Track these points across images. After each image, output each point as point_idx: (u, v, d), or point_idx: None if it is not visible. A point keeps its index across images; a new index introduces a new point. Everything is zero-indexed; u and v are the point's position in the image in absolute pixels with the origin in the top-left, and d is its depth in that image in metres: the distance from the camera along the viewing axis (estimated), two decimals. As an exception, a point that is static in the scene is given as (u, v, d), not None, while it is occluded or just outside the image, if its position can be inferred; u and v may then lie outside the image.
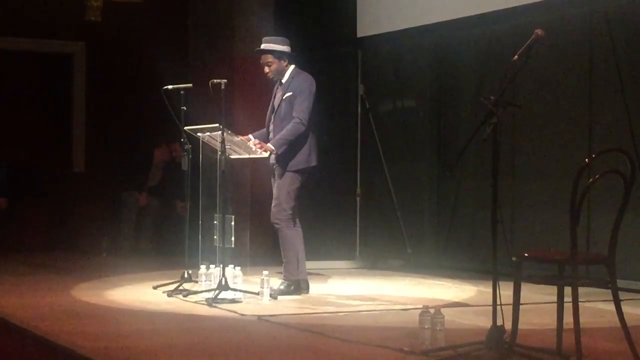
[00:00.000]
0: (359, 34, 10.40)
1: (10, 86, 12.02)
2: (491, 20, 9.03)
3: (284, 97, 7.46)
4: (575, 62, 8.40)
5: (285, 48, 7.52)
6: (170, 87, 7.90)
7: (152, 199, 11.18)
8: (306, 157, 7.46)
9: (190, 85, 7.99)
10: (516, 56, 4.99)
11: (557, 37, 8.01)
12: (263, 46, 7.53)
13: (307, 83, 7.49)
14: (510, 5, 8.69)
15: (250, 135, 7.50)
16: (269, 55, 7.50)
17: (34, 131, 12.06)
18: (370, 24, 10.27)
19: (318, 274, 8.88)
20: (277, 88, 7.60)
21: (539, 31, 5.09)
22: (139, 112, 11.84)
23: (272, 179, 7.59)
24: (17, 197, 11.33)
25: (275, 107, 7.55)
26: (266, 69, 7.54)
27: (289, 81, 7.50)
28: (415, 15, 9.70)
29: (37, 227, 11.52)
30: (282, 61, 7.51)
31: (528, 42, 5.04)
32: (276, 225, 7.45)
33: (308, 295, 7.49)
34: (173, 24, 11.86)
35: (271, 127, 7.55)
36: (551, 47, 7.94)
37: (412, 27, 9.77)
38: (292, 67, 7.56)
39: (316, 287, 7.96)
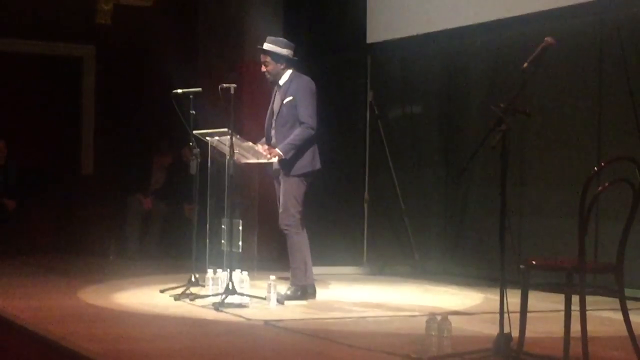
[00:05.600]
0: (369, 40, 10.40)
1: (20, 89, 12.06)
2: (501, 27, 9.03)
3: (284, 102, 7.44)
4: (585, 70, 8.39)
5: (284, 51, 7.49)
6: (179, 91, 7.91)
7: (159, 203, 11.19)
8: (310, 160, 7.45)
9: (200, 89, 8.00)
10: (526, 64, 4.98)
11: (567, 45, 8.00)
12: (264, 45, 7.53)
13: (307, 86, 7.45)
14: (520, 13, 8.69)
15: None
16: (267, 56, 7.50)
17: (43, 134, 12.10)
18: (380, 30, 10.27)
19: (325, 280, 8.88)
20: (276, 91, 7.59)
21: (549, 39, 5.08)
22: (148, 115, 11.87)
23: (276, 184, 7.58)
24: (26, 199, 11.36)
25: (276, 111, 7.53)
26: (263, 68, 7.54)
27: (287, 84, 7.48)
28: (425, 22, 9.70)
29: (45, 229, 11.54)
30: (279, 64, 7.48)
31: (538, 49, 5.04)
32: (285, 231, 7.44)
33: (315, 300, 7.48)
34: (183, 29, 11.89)
35: (272, 132, 7.54)
36: (561, 55, 7.94)
37: (422, 34, 9.77)
38: (290, 71, 7.53)
39: (323, 293, 7.96)
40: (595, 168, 4.78)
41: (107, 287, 8.19)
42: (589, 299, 4.69)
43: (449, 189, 9.86)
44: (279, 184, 7.51)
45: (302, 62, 7.76)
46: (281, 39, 7.66)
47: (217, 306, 6.83)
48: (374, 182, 10.47)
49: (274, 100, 7.59)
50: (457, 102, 9.84)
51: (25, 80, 12.11)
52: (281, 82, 7.51)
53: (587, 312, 4.66)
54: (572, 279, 4.82)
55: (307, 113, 7.37)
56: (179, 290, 7.52)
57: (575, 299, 4.71)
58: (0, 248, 10.66)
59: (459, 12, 9.34)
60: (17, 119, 11.91)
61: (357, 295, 8.15)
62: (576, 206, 4.65)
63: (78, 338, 5.54)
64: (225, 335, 5.98)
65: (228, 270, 7.11)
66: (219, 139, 7.38)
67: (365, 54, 10.54)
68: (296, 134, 7.35)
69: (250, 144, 7.35)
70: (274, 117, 7.53)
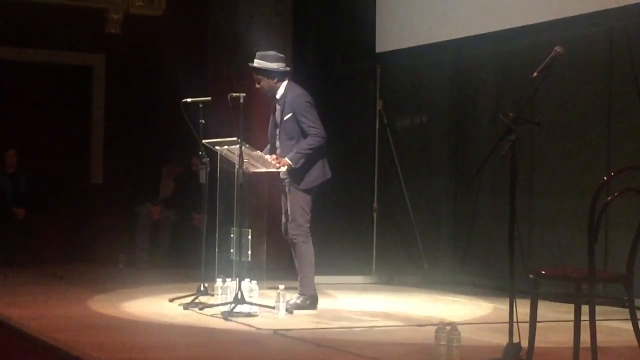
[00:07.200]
0: (378, 49, 10.41)
1: (30, 98, 12.08)
2: (510, 36, 9.03)
3: (284, 119, 7.43)
4: (594, 80, 8.38)
5: (274, 66, 7.44)
6: (189, 100, 7.92)
7: (167, 212, 11.20)
8: (320, 172, 7.44)
9: (209, 98, 8.01)
10: (535, 73, 4.98)
11: (577, 54, 7.99)
12: (254, 62, 7.50)
13: (302, 100, 7.42)
14: (529, 22, 8.69)
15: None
16: (258, 73, 7.48)
17: (53, 142, 12.11)
18: (389, 40, 10.28)
19: (334, 289, 8.87)
20: (275, 102, 7.58)
21: (558, 48, 5.09)
22: (158, 124, 11.88)
23: (283, 196, 7.57)
24: (36, 207, 11.38)
25: (278, 123, 7.53)
26: (256, 85, 7.54)
27: (282, 98, 7.45)
28: (434, 31, 9.71)
29: (54, 238, 11.55)
30: (271, 79, 7.46)
31: (547, 59, 5.04)
32: (294, 240, 7.44)
33: (324, 309, 7.48)
34: (192, 38, 11.91)
35: (277, 143, 7.54)
36: (570, 65, 7.93)
37: (431, 43, 9.78)
38: (285, 82, 7.50)
39: (332, 302, 7.95)
40: (605, 177, 4.78)
41: (117, 296, 8.20)
42: (599, 309, 4.68)
43: (458, 198, 9.85)
44: (286, 195, 7.50)
45: (304, 72, 7.74)
46: (271, 52, 7.58)
47: (226, 315, 6.84)
48: (383, 191, 10.47)
49: (274, 111, 7.59)
50: (466, 112, 9.84)
51: (36, 89, 12.14)
52: (278, 95, 7.50)
53: (597, 322, 4.64)
54: (581, 289, 4.81)
55: (312, 125, 7.36)
56: (188, 299, 7.53)
57: (585, 309, 4.70)
58: (9, 256, 10.67)
59: (467, 22, 9.34)
60: (28, 128, 11.93)
61: (366, 305, 8.14)
62: (585, 215, 4.64)
63: (87, 347, 5.54)
64: (234, 345, 5.97)
65: (237, 279, 7.11)
66: (228, 148, 7.39)
67: (374, 63, 10.54)
68: (307, 142, 7.33)
69: (260, 153, 7.36)
70: (278, 130, 7.53)
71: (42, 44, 11.97)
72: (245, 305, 6.98)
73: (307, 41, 10.53)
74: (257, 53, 7.55)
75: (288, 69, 7.57)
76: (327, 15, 10.89)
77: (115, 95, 12.29)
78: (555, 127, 8.60)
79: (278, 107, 7.51)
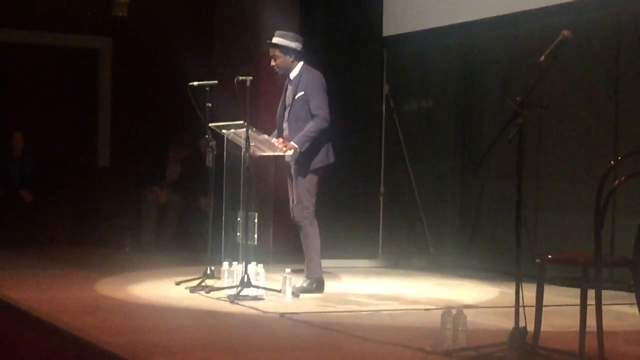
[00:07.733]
0: (385, 33, 10.39)
1: (37, 81, 12.09)
2: (518, 20, 9.00)
3: (296, 97, 7.44)
4: (602, 64, 8.35)
5: (293, 44, 7.49)
6: (195, 83, 7.92)
7: (174, 195, 11.21)
8: (324, 155, 7.45)
9: (216, 82, 8.00)
10: (543, 57, 4.97)
11: (585, 38, 7.97)
12: (273, 39, 7.54)
13: (317, 80, 7.46)
14: (537, 6, 8.65)
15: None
16: (276, 49, 7.51)
17: (60, 125, 12.13)
18: (396, 23, 10.25)
19: (340, 273, 8.88)
20: (287, 84, 7.60)
21: (565, 32, 5.06)
22: (164, 107, 11.88)
23: (289, 179, 7.58)
24: (43, 190, 11.40)
25: (288, 105, 7.54)
26: (272, 62, 7.55)
27: (297, 78, 7.49)
28: (441, 15, 9.68)
29: (61, 221, 11.58)
30: (288, 57, 7.49)
31: (554, 43, 5.02)
32: (300, 223, 7.45)
33: (330, 293, 7.49)
34: (199, 21, 11.90)
35: (285, 124, 7.54)
36: (578, 48, 7.90)
37: (438, 27, 9.75)
38: (301, 63, 7.53)
39: (338, 286, 7.96)
40: (612, 162, 4.77)
41: (123, 279, 8.22)
42: (605, 293, 4.68)
43: (464, 182, 9.85)
44: (292, 178, 7.51)
45: (311, 55, 7.75)
46: (290, 32, 7.65)
47: (233, 299, 6.85)
48: (390, 175, 10.46)
49: (285, 93, 7.60)
50: (474, 95, 9.82)
51: (42, 72, 12.15)
52: (292, 75, 7.52)
53: (603, 307, 4.64)
54: (587, 273, 4.81)
55: (319, 105, 7.38)
56: (195, 283, 7.54)
57: (591, 293, 4.70)
58: (16, 239, 10.70)
59: (475, 5, 9.31)
60: (34, 111, 11.95)
61: (372, 289, 8.15)
62: (592, 200, 4.64)
63: (94, 330, 5.56)
64: (240, 328, 5.99)
65: (243, 262, 7.12)
66: (234, 131, 7.39)
67: (381, 47, 10.52)
68: (312, 125, 7.35)
69: (266, 136, 7.36)
70: (287, 111, 7.54)
71: (48, 26, 11.97)
72: (251, 288, 6.99)
73: (314, 25, 10.49)
74: (277, 32, 7.59)
75: (304, 51, 7.58)
76: (334, -1, 10.87)
77: (121, 78, 12.29)
78: (563, 111, 8.58)
79: (290, 87, 7.53)
